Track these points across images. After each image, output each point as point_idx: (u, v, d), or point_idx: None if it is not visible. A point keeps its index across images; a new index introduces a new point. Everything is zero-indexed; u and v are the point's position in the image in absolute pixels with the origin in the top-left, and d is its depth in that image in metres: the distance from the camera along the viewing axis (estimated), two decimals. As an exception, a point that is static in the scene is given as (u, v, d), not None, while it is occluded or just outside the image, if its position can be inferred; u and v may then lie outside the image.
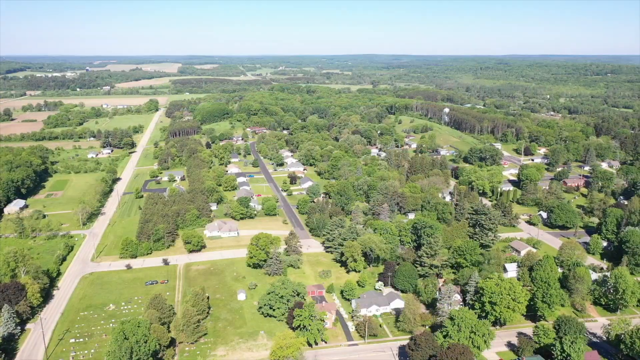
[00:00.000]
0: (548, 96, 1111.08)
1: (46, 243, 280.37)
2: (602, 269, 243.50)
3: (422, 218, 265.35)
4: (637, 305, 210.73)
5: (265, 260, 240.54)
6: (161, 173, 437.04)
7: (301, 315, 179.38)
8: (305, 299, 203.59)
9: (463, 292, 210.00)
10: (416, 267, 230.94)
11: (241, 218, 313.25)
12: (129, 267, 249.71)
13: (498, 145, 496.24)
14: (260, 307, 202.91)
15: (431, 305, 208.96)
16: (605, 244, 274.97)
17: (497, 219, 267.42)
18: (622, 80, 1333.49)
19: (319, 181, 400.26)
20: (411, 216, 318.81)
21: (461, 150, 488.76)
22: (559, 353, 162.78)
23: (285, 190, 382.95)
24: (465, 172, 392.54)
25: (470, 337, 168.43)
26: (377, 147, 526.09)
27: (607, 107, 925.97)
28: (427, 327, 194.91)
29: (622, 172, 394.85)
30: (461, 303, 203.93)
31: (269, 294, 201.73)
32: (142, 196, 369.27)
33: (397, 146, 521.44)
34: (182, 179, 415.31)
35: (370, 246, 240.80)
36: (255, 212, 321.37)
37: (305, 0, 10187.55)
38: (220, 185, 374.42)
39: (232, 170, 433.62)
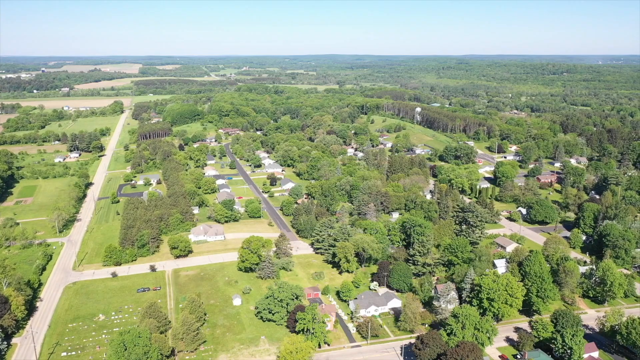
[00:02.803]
0: (510, 95, 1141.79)
1: (22, 252, 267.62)
2: (585, 262, 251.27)
3: (411, 217, 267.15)
4: (624, 297, 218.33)
5: (257, 264, 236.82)
6: (135, 177, 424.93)
7: (304, 319, 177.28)
8: (302, 302, 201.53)
9: (458, 290, 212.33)
10: (409, 266, 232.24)
11: (226, 221, 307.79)
12: (114, 275, 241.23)
13: (471, 144, 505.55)
14: (258, 312, 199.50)
15: (427, 304, 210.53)
16: (584, 237, 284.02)
17: (484, 216, 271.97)
18: (577, 79, 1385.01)
19: (299, 182, 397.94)
20: (395, 215, 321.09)
21: (436, 148, 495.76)
22: (560, 346, 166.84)
23: (266, 192, 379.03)
24: (444, 170, 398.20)
25: (474, 334, 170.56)
26: (352, 147, 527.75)
27: (567, 105, 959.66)
28: (426, 325, 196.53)
29: (591, 168, 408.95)
30: (457, 300, 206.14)
31: (267, 297, 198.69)
32: (118, 201, 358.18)
33: (373, 146, 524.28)
34: (159, 182, 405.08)
35: (363, 246, 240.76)
36: (239, 214, 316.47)
37: (267, 1, 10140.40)
38: (199, 188, 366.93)
39: (210, 172, 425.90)
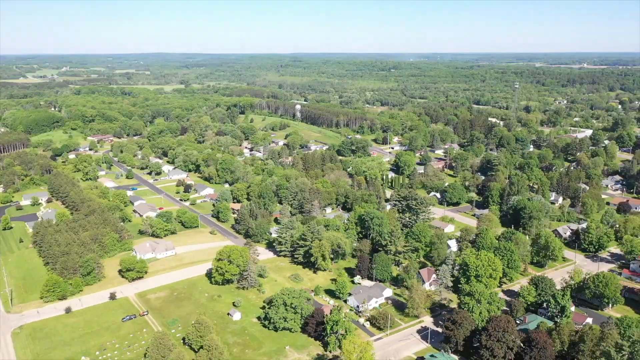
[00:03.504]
0: (354, 90, 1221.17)
1: None
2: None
3: (368, 210, 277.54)
4: (563, 259, 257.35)
5: (238, 274, 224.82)
6: (13, 197, 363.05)
7: (335, 321, 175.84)
8: (310, 305, 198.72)
9: (436, 272, 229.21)
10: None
11: (165, 235, 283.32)
12: (68, 310, 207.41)
13: (358, 137, 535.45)
14: (269, 322, 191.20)
15: (407, 287, 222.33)
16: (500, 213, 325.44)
17: (427, 201, 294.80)
18: (407, 75, 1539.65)
19: (212, 187, 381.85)
20: (328, 210, 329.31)
21: (329, 144, 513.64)
22: (554, 306, 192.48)
23: (185, 200, 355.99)
24: (353, 163, 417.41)
25: (487, 308, 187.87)
26: (247, 147, 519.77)
27: (408, 99, 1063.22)
28: (427, 309, 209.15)
29: (472, 153, 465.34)
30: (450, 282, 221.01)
31: (280, 306, 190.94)
32: (11, 227, 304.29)
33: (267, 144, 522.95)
34: (49, 200, 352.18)
35: (338, 242, 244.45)
36: (175, 226, 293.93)
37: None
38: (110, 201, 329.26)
39: (108, 184, 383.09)
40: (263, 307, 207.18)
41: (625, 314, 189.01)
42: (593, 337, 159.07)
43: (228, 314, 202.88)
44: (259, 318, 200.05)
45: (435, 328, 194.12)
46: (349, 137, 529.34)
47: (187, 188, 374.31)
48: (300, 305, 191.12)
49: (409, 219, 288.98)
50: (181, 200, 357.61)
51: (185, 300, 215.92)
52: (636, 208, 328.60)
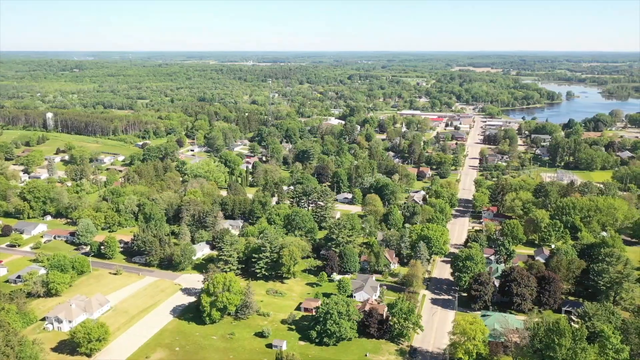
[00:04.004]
0: (39, 93, 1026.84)
1: None
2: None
3: (296, 210, 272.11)
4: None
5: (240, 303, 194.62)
6: None
7: (408, 310, 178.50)
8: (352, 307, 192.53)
9: (397, 249, 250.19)
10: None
11: (65, 289, 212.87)
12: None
13: (149, 142, 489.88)
14: (328, 337, 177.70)
15: (380, 272, 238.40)
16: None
17: (330, 194, 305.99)
18: (103, 75, 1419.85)
19: (42, 223, 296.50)
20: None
21: (124, 154, 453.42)
22: (504, 249, 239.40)
23: (15, 245, 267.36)
24: (188, 168, 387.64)
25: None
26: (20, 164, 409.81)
27: (132, 100, 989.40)
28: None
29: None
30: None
31: (328, 320, 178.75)
32: None
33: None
34: None
35: (303, 246, 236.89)
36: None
37: None
38: None
39: None
40: (291, 329, 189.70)
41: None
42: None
43: (271, 346, 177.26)
44: (302, 339, 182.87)
45: (440, 297, 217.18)
46: (140, 143, 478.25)
47: (6, 230, 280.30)
48: (349, 313, 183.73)
49: (316, 213, 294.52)
50: (11, 246, 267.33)
51: (193, 354, 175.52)
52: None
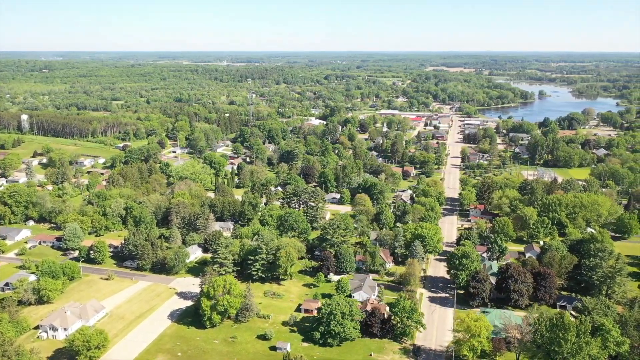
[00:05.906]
0: (8, 94, 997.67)
1: None
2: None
3: (289, 211, 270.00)
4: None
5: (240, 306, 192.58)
6: None
7: (411, 309, 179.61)
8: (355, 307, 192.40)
9: (391, 249, 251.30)
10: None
11: (56, 296, 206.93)
12: None
13: (129, 144, 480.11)
14: (332, 338, 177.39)
15: (376, 271, 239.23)
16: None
17: (320, 195, 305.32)
18: (74, 75, 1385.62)
19: (25, 228, 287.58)
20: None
21: (114, 156, 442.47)
22: (497, 247, 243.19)
23: (2, 252, 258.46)
24: (174, 170, 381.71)
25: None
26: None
27: (106, 102, 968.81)
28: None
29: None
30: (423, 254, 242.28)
31: (331, 321, 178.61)
32: None
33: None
34: None
35: (299, 247, 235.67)
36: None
37: None
38: None
39: None
40: (293, 331, 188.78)
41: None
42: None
43: (275, 348, 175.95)
44: (305, 340, 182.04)
45: (437, 295, 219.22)
46: (120, 145, 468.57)
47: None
48: (352, 313, 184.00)
49: (307, 213, 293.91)
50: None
51: (201, 356, 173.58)
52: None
